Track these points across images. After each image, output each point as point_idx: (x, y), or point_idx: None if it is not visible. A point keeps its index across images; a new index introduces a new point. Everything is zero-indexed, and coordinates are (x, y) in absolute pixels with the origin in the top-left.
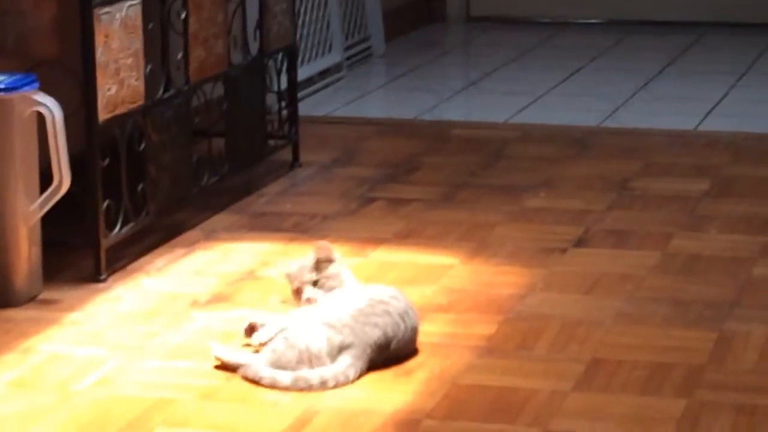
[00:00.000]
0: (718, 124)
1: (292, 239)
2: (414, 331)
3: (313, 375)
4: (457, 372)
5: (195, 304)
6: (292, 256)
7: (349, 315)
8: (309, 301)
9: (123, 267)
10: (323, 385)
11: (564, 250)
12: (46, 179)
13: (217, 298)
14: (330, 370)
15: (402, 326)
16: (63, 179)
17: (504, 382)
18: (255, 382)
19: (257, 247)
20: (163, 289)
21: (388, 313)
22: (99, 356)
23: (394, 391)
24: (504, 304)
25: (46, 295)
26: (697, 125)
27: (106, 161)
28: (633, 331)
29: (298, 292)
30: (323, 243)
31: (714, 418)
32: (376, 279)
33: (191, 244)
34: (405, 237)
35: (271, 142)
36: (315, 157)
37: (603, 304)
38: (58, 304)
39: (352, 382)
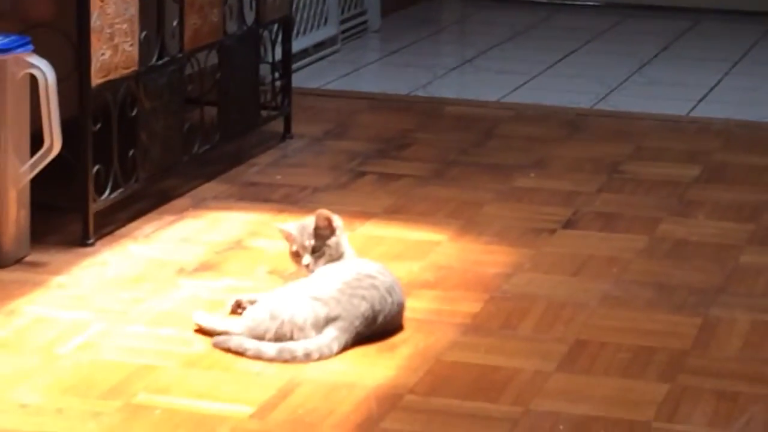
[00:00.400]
0: (711, 110)
1: (281, 210)
2: (400, 307)
3: (298, 347)
4: (441, 349)
5: (182, 271)
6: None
7: (336, 288)
8: (308, 268)
9: (111, 232)
10: (307, 357)
11: (552, 231)
12: (37, 142)
13: (204, 267)
14: (314, 343)
15: (389, 300)
16: (54, 142)
17: (487, 360)
18: (240, 353)
19: (246, 217)
20: (150, 256)
21: (375, 287)
22: (84, 320)
23: (378, 365)
24: (490, 283)
25: (33, 257)
26: (690, 111)
27: (98, 126)
28: (618, 314)
29: (296, 255)
30: (324, 212)
31: (695, 404)
32: (364, 253)
33: (180, 212)
34: (394, 212)
35: (264, 113)
36: (307, 130)
37: (589, 286)
38: (45, 266)
39: (336, 355)
